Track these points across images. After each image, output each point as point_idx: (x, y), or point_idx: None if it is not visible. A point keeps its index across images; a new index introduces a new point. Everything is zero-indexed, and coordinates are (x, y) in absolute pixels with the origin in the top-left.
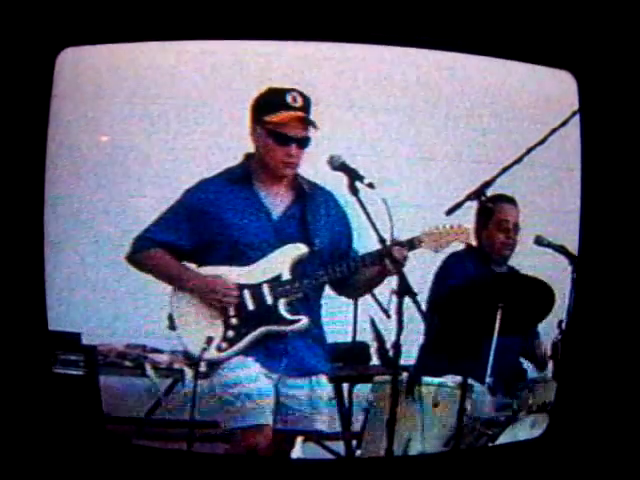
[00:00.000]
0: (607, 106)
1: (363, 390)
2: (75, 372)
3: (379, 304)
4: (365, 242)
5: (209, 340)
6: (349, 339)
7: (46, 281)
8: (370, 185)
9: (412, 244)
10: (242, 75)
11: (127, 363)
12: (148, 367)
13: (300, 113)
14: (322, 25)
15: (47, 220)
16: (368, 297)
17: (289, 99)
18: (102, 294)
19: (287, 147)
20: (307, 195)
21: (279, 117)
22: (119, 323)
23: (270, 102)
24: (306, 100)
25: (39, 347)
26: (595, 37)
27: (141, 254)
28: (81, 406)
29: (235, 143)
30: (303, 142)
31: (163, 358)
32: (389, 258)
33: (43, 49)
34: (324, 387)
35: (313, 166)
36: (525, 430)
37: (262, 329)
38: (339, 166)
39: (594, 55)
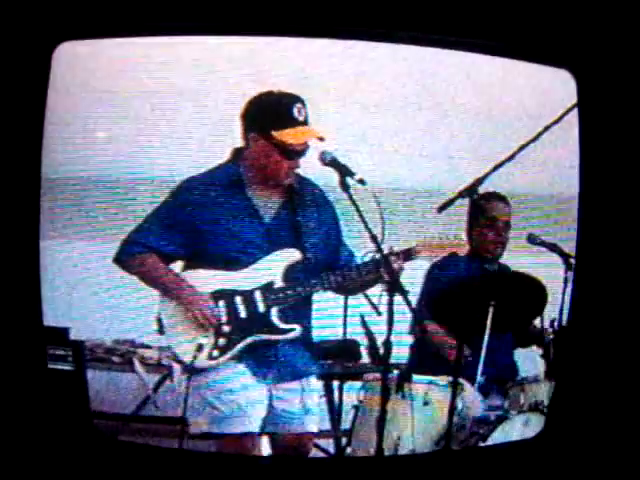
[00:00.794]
0: (606, 104)
1: (353, 388)
2: (63, 367)
3: (369, 301)
4: (356, 238)
5: (199, 347)
6: (339, 337)
7: (41, 276)
8: (361, 181)
9: (409, 254)
10: (236, 71)
11: (115, 358)
12: (136, 363)
13: (306, 128)
14: (312, 21)
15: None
16: (358, 294)
17: (295, 112)
18: (92, 289)
19: (292, 160)
20: (297, 193)
21: (289, 135)
22: (108, 318)
23: (275, 115)
24: (306, 108)
25: (31, 342)
26: (594, 35)
27: (129, 257)
28: (68, 401)
29: (229, 139)
30: (305, 152)
31: (152, 354)
32: (386, 268)
33: (40, 43)
34: (315, 389)
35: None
36: (517, 429)
37: (254, 337)
38: (330, 162)
39: (593, 53)
